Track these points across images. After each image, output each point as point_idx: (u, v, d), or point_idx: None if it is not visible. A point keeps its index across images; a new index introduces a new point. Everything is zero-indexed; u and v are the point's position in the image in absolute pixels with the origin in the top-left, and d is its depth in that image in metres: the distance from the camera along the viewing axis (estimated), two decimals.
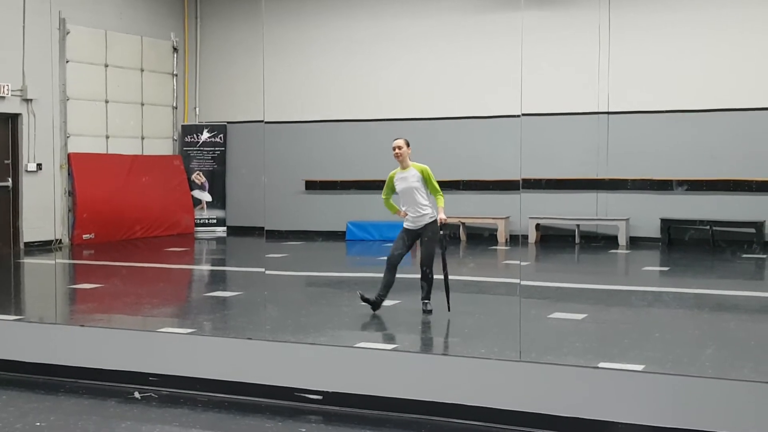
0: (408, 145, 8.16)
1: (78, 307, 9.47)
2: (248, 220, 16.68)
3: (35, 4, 14.14)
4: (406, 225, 8.21)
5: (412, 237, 8.19)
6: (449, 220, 8.30)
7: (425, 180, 8.11)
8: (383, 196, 8.38)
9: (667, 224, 14.12)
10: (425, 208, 8.11)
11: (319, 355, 5.91)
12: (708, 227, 13.88)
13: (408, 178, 8.11)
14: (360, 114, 15.87)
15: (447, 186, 15.53)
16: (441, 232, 8.12)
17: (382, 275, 8.10)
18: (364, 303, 8.12)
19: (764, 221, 13.56)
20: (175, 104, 17.28)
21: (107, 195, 15.21)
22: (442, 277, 8.07)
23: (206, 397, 5.90)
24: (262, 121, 16.53)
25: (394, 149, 8.11)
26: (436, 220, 8.13)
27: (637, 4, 14.39)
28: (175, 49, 17.18)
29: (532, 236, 14.68)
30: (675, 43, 14.22)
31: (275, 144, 16.44)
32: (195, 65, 17.45)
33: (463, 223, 15.22)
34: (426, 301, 8.11)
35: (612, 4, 14.30)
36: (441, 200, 8.17)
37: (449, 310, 8.05)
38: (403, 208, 8.19)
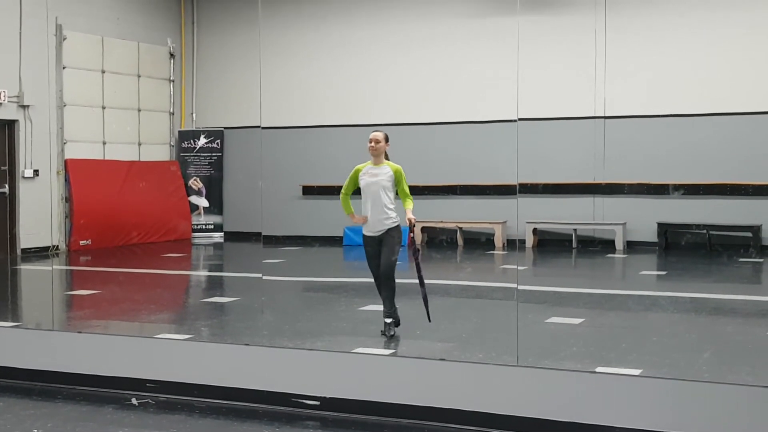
0: (387, 140, 7.47)
1: (75, 313, 9.45)
2: (245, 225, 16.67)
3: (32, 9, 14.14)
4: (366, 233, 7.46)
5: (376, 245, 7.44)
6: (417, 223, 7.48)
7: (396, 182, 7.39)
8: (344, 192, 7.57)
9: (663, 228, 14.13)
10: (389, 212, 7.36)
11: (317, 361, 5.90)
12: (705, 231, 13.89)
13: (379, 174, 7.37)
14: (356, 119, 15.87)
15: (444, 191, 15.67)
16: (411, 236, 7.53)
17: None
18: (387, 334, 7.43)
19: (761, 225, 13.58)
20: (171, 110, 17.29)
21: (104, 201, 15.20)
22: (418, 283, 7.46)
23: (204, 403, 5.90)
24: (258, 127, 16.53)
25: (370, 141, 7.40)
26: (398, 226, 7.40)
27: (633, 8, 14.42)
28: (171, 55, 17.19)
29: (529, 240, 14.69)
30: (671, 47, 14.25)
31: (272, 149, 16.45)
32: (192, 71, 17.45)
33: (460, 228, 15.23)
34: (389, 320, 7.42)
35: (608, 8, 14.33)
36: (410, 203, 7.37)
37: (430, 321, 7.57)
38: (363, 213, 7.42)
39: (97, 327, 8.26)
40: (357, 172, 7.52)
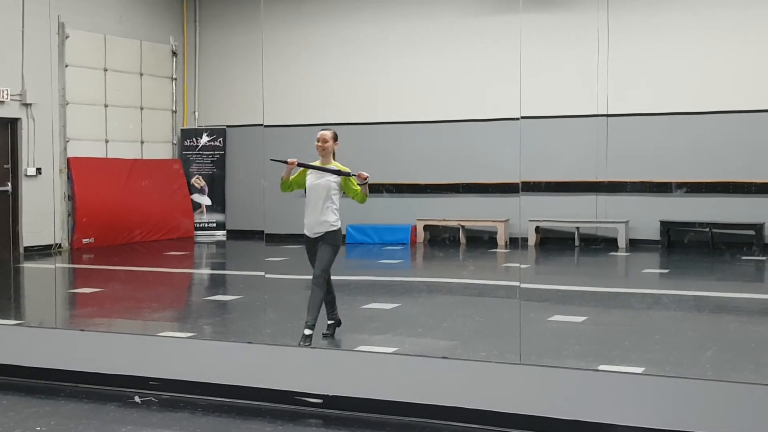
0: (336, 139, 7.26)
1: (78, 311, 9.46)
2: (248, 223, 16.67)
3: (34, 8, 14.13)
4: (306, 232, 7.20)
5: (313, 246, 7.19)
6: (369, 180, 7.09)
7: (344, 183, 7.13)
8: (290, 179, 7.28)
9: (666, 226, 14.12)
10: (330, 214, 7.11)
11: (319, 359, 5.91)
12: (707, 229, 13.88)
13: (326, 174, 7.14)
14: (359, 117, 15.87)
15: (446, 189, 15.66)
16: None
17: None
18: (307, 339, 6.94)
19: (763, 223, 13.56)
20: (174, 108, 17.29)
21: (107, 199, 15.21)
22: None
23: (206, 401, 5.90)
24: (261, 125, 16.52)
25: (318, 140, 7.23)
26: (338, 230, 7.17)
27: (635, 6, 14.40)
28: (174, 53, 17.19)
29: (532, 239, 14.68)
30: (674, 46, 14.23)
31: (275, 147, 16.42)
32: (194, 69, 17.45)
33: (463, 226, 15.22)
34: (331, 322, 7.32)
35: (611, 6, 14.31)
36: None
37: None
38: (305, 212, 7.18)
39: (99, 325, 8.27)
40: (305, 170, 7.29)
